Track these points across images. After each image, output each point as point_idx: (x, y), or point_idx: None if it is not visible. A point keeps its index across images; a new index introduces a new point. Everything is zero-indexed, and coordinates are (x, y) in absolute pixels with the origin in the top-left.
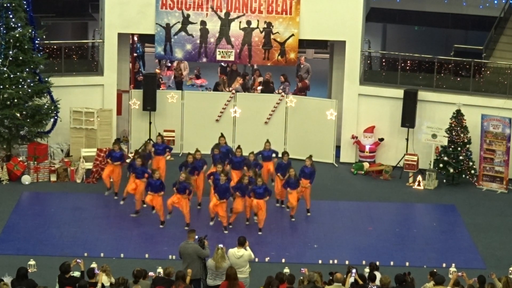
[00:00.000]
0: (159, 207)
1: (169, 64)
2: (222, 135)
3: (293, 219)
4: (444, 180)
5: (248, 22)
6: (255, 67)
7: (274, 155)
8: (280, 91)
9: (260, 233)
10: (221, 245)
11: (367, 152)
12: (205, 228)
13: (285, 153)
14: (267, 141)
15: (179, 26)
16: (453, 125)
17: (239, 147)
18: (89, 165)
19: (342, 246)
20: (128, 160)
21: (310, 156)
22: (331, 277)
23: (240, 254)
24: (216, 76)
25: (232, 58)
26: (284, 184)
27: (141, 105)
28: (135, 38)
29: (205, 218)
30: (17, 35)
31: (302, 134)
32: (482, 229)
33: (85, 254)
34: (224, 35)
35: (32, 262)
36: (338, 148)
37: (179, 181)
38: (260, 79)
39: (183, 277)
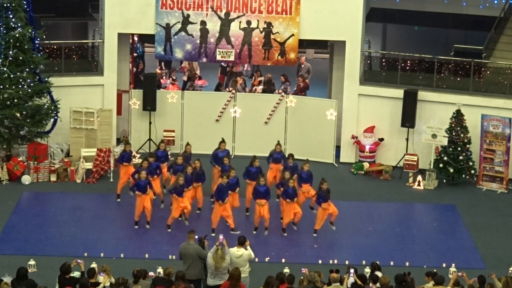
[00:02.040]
0: (148, 208)
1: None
2: (223, 141)
3: (334, 227)
4: (444, 180)
5: (248, 22)
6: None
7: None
8: (280, 91)
9: (266, 232)
10: (221, 236)
11: (367, 152)
12: (205, 228)
13: (290, 155)
14: (278, 142)
15: (179, 26)
16: (453, 125)
17: (255, 157)
18: (89, 165)
19: (342, 246)
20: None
21: (307, 160)
22: (330, 278)
23: (239, 254)
24: (216, 76)
25: (232, 58)
26: (316, 200)
27: (141, 105)
28: (135, 38)
29: (205, 218)
30: (17, 35)
31: (302, 134)
32: (482, 229)
33: (85, 254)
34: (224, 35)
35: (32, 262)
36: (338, 148)
37: (178, 185)
38: (261, 79)
39: (183, 277)
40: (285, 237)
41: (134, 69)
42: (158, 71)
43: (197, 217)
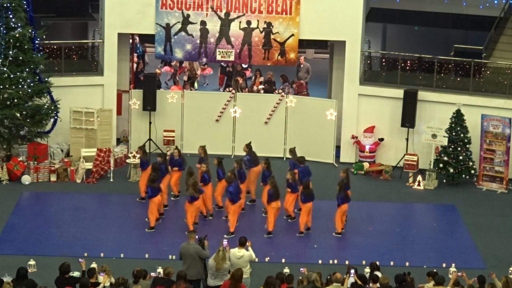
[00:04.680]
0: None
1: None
2: (247, 144)
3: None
4: (444, 180)
5: (248, 22)
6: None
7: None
8: (280, 91)
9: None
10: (225, 241)
11: (367, 152)
12: (205, 229)
13: (301, 157)
14: (290, 149)
15: (179, 26)
16: (453, 125)
17: (267, 159)
18: (89, 165)
19: (342, 246)
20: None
21: (346, 169)
22: (328, 277)
23: (240, 255)
24: (216, 76)
25: (232, 58)
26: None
27: (141, 105)
28: (136, 39)
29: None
30: (17, 35)
31: (302, 134)
32: (482, 229)
33: (85, 254)
34: (224, 35)
35: (32, 262)
36: (338, 148)
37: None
38: (261, 79)
39: (185, 277)
40: (285, 237)
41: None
42: (158, 71)
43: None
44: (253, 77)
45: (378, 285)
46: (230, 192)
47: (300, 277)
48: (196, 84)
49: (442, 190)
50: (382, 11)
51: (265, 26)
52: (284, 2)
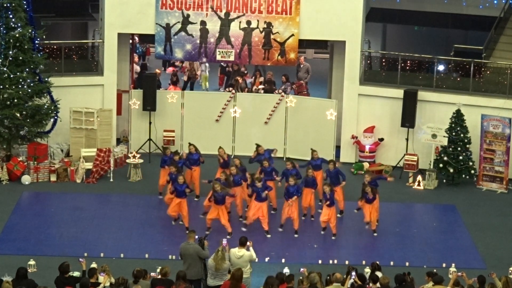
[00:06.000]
0: (185, 213)
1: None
2: (258, 145)
3: (375, 234)
4: (444, 180)
5: (248, 22)
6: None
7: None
8: (280, 91)
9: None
10: (225, 240)
11: (367, 152)
12: (205, 229)
13: (331, 161)
14: (314, 150)
15: (179, 26)
16: (453, 125)
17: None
18: (89, 165)
19: (342, 246)
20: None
21: (333, 162)
22: (328, 277)
23: (240, 254)
24: (216, 76)
25: (232, 58)
26: (367, 199)
27: (141, 105)
28: (136, 39)
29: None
30: (17, 35)
31: (302, 134)
32: (482, 229)
33: (85, 254)
34: (224, 35)
35: (32, 262)
36: (338, 148)
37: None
38: (261, 79)
39: (184, 277)
40: (285, 237)
41: (138, 68)
42: (158, 71)
43: (197, 215)
44: (253, 77)
45: (378, 285)
46: (264, 188)
47: (300, 277)
48: (207, 84)
49: (442, 190)
50: (382, 11)
51: (265, 26)
52: (284, 2)
